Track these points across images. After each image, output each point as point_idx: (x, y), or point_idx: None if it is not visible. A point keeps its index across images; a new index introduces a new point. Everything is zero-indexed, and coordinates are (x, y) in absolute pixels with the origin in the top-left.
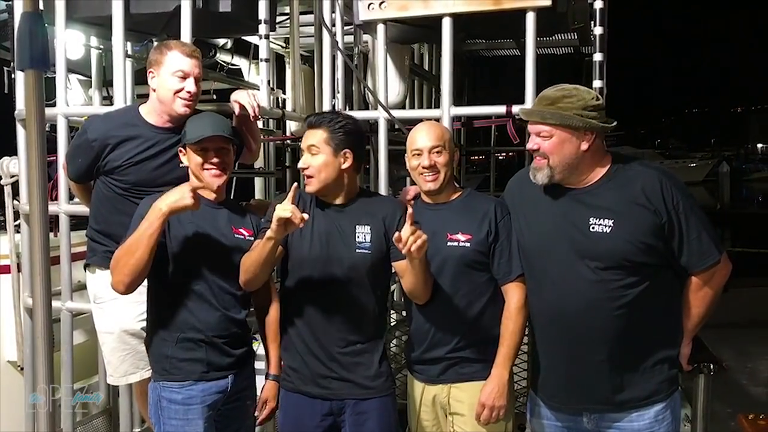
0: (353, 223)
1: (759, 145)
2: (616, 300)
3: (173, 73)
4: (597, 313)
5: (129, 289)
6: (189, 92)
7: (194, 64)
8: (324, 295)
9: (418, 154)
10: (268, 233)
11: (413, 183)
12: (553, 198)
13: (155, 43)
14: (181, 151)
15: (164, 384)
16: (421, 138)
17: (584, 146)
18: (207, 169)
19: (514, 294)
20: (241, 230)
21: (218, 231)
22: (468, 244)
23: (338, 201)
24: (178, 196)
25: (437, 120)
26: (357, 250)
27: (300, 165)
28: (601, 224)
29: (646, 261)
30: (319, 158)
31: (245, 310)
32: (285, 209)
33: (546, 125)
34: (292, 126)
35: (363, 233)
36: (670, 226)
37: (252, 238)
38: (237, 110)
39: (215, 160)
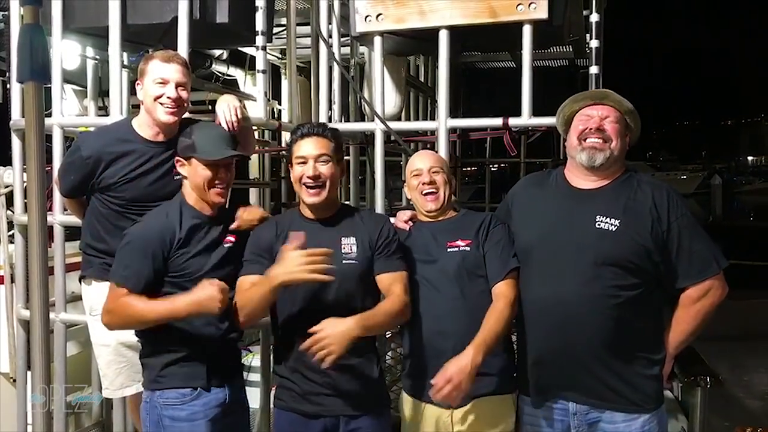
0: (338, 235)
1: (749, 158)
2: (610, 299)
3: (153, 80)
4: (591, 307)
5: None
6: (169, 98)
7: (174, 69)
8: (313, 311)
9: (418, 174)
10: (273, 284)
11: (409, 201)
12: (561, 197)
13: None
14: (179, 161)
15: (165, 401)
16: (419, 160)
17: (626, 146)
18: (213, 186)
19: (504, 290)
20: (228, 238)
21: (213, 247)
22: (468, 249)
23: (325, 215)
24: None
25: (434, 132)
26: (344, 261)
27: (310, 173)
28: (607, 222)
29: (644, 265)
30: (330, 167)
31: (236, 331)
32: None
33: (618, 111)
34: (287, 137)
35: (348, 244)
36: (670, 237)
37: (235, 245)
38: (216, 121)
39: (223, 176)
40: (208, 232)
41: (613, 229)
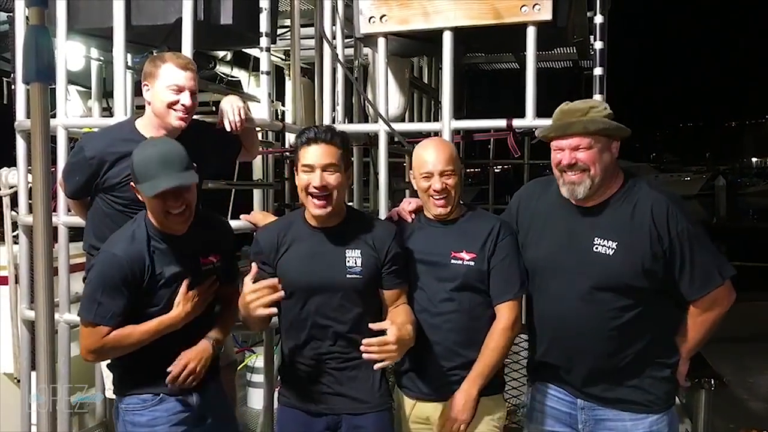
0: (342, 247)
1: (753, 159)
2: (610, 321)
3: (168, 86)
4: (590, 332)
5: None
6: (184, 105)
7: (189, 77)
8: (317, 316)
9: (428, 176)
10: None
11: (413, 195)
12: (562, 214)
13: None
14: (132, 187)
15: (126, 407)
16: (431, 160)
17: (615, 154)
18: (169, 214)
19: (503, 314)
20: (209, 258)
21: (186, 267)
22: (472, 263)
23: (331, 224)
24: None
25: (437, 133)
26: (348, 275)
27: (317, 183)
28: (604, 245)
29: (643, 286)
30: (337, 177)
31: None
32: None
33: (587, 136)
34: (291, 138)
35: (353, 258)
36: (672, 254)
37: (219, 264)
38: (218, 124)
39: (176, 203)
40: (179, 256)
41: (611, 253)
